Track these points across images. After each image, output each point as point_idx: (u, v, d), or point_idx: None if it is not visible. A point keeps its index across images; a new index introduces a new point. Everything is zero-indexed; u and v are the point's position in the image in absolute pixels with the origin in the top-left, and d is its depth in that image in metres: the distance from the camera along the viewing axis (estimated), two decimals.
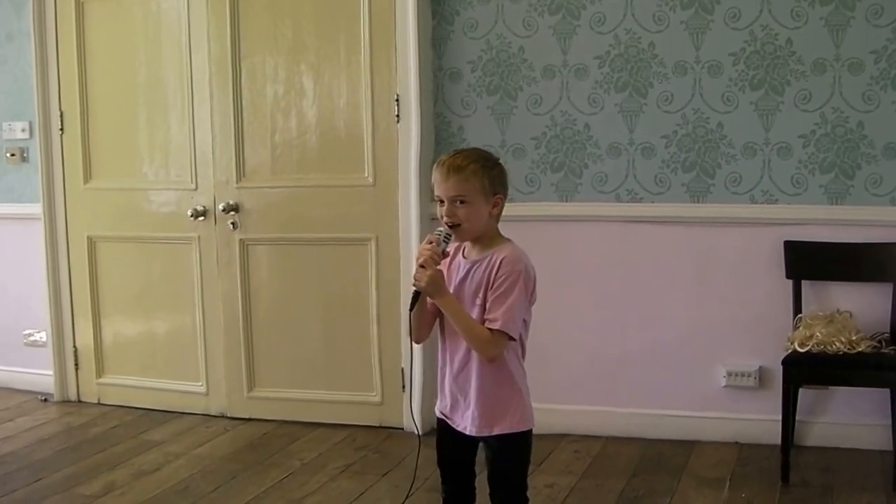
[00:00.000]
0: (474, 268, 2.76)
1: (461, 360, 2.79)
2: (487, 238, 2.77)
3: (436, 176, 2.73)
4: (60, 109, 5.39)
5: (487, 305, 2.71)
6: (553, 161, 4.68)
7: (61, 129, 5.40)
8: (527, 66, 4.66)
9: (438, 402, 2.92)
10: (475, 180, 2.67)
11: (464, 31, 4.71)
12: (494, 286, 2.69)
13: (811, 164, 4.37)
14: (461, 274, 2.79)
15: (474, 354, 2.75)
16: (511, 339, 2.72)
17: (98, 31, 5.29)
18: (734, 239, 4.52)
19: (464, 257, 2.81)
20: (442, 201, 2.72)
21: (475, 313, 2.73)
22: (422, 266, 2.69)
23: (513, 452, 2.82)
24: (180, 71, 5.11)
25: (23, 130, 5.58)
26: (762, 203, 4.45)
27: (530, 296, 2.76)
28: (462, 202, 2.68)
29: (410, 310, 2.79)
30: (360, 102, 4.83)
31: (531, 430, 2.83)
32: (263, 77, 4.98)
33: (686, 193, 4.53)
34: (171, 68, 5.15)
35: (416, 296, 2.76)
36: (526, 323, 2.80)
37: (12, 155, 5.63)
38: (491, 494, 2.87)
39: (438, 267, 2.73)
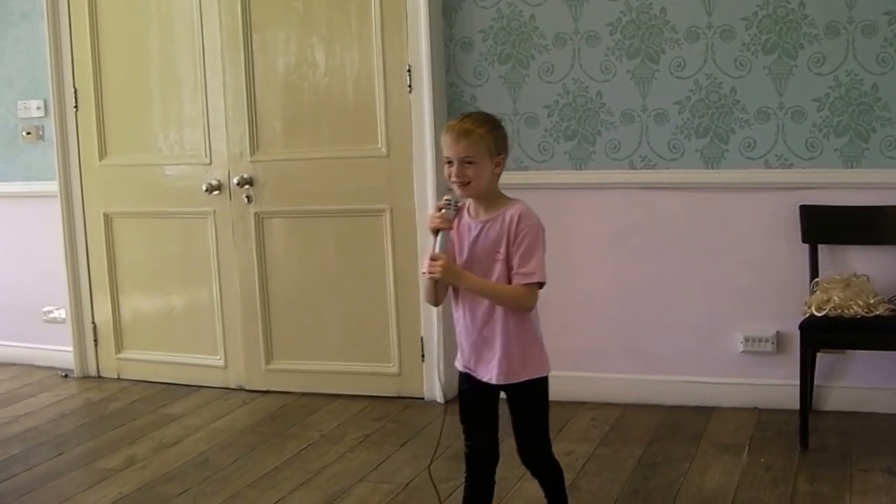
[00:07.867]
0: (486, 226, 2.93)
1: (484, 315, 2.94)
2: (492, 196, 2.96)
3: (446, 139, 2.92)
4: (74, 87, 5.41)
5: (515, 260, 2.87)
6: (566, 129, 4.66)
7: (76, 107, 5.42)
8: (538, 35, 4.63)
9: (459, 358, 3.05)
10: (482, 143, 2.88)
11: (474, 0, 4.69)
12: (517, 241, 2.87)
13: (826, 127, 4.34)
14: (473, 234, 2.94)
15: (498, 308, 2.90)
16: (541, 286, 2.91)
17: (110, 8, 5.29)
18: (749, 204, 4.49)
19: (471, 218, 2.96)
20: (450, 162, 2.89)
21: (497, 269, 2.90)
22: (432, 259, 2.86)
23: (536, 396, 2.99)
24: (192, 45, 5.11)
25: (38, 108, 5.60)
26: (777, 168, 4.42)
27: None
28: (470, 163, 2.87)
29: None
30: (372, 73, 4.82)
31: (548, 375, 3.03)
32: (275, 50, 4.98)
33: (700, 159, 4.51)
34: (183, 43, 5.15)
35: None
36: None
37: (28, 133, 5.66)
38: (518, 444, 3.02)
39: (451, 233, 2.91)
